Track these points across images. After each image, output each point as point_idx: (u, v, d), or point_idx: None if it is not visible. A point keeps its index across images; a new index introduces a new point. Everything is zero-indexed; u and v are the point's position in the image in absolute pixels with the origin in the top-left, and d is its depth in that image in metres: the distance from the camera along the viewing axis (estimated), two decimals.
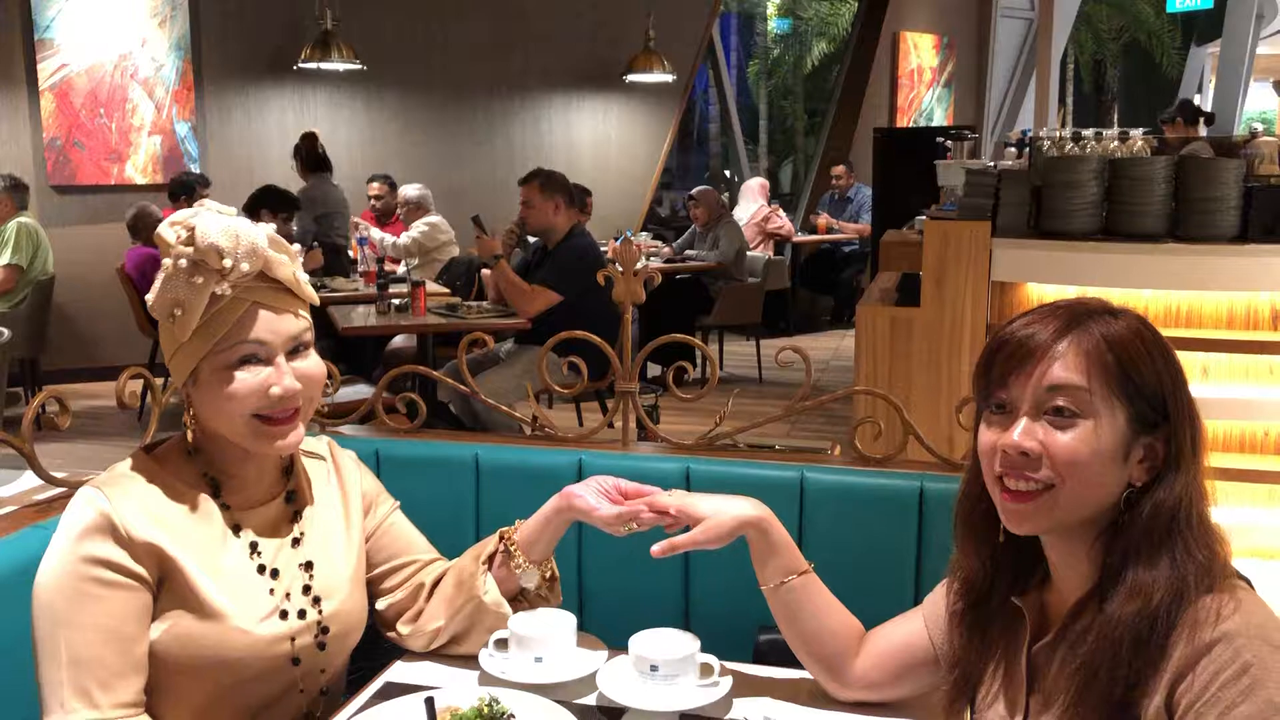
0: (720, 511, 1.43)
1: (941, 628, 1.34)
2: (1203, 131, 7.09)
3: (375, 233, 6.83)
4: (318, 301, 1.48)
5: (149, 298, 1.40)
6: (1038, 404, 1.13)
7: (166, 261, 1.37)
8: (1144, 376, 1.13)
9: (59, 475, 1.72)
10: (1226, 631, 1.04)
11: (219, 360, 1.37)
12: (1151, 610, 1.07)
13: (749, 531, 1.43)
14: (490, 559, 1.57)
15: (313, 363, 1.44)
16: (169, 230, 1.36)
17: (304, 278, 1.44)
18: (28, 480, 1.91)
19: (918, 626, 1.38)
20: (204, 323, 1.35)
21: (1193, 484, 1.12)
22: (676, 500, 1.47)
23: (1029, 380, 1.13)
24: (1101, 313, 1.16)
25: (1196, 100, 15.12)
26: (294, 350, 1.41)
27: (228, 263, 1.33)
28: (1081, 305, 1.17)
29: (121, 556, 1.33)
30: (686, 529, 1.45)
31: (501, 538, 1.59)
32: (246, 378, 1.37)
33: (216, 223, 1.35)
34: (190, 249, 1.34)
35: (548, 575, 1.60)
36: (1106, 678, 1.08)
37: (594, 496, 1.53)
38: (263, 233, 1.39)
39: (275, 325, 1.39)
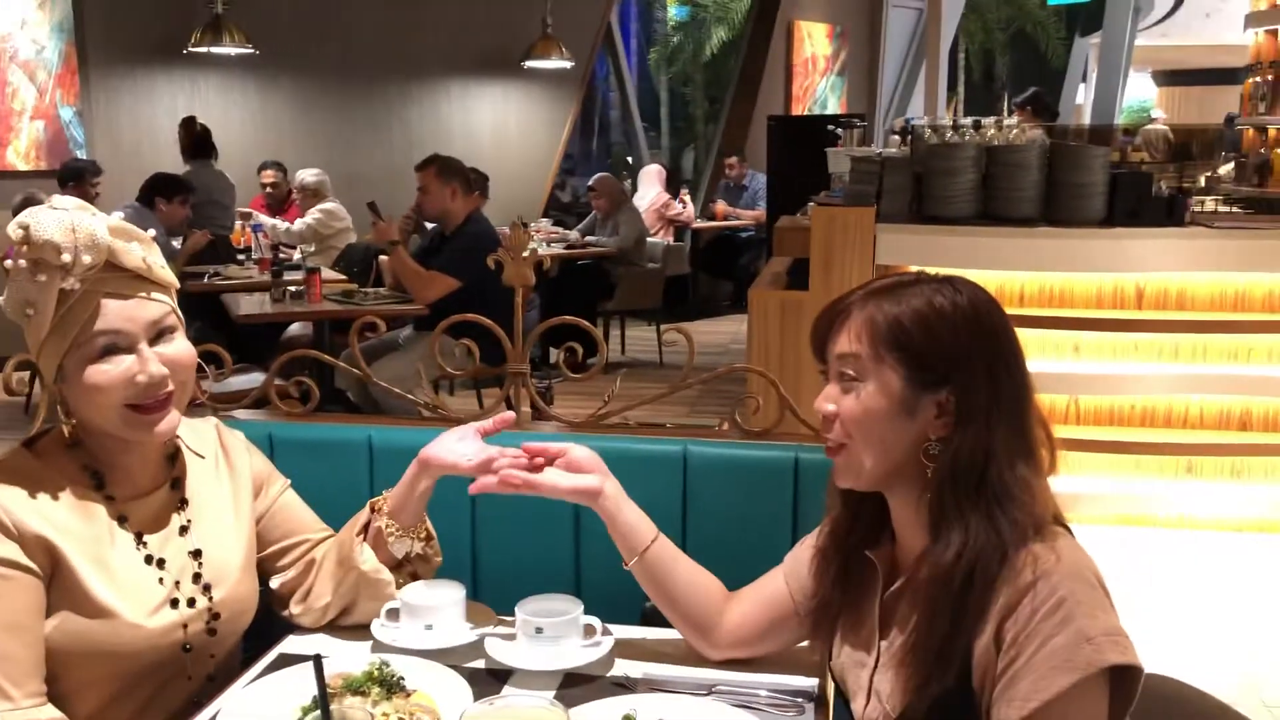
0: (570, 471, 1.51)
1: (801, 582, 1.44)
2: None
3: (267, 220, 6.75)
4: (176, 284, 1.48)
5: (0, 300, 1.40)
6: (835, 371, 1.29)
7: (8, 263, 1.37)
8: (924, 345, 1.23)
9: None
10: (1045, 570, 1.15)
11: (81, 355, 1.37)
12: (968, 560, 1.17)
13: (592, 504, 1.50)
14: (365, 529, 1.61)
15: (179, 347, 1.44)
16: (10, 230, 1.35)
17: (157, 262, 1.44)
18: None
19: (779, 583, 1.47)
20: (59, 320, 1.35)
21: (994, 439, 1.21)
22: (541, 446, 1.54)
23: (830, 351, 1.30)
24: (891, 290, 1.27)
25: (1080, 89, 15.67)
26: (158, 336, 1.42)
27: (67, 258, 1.32)
28: (879, 283, 1.30)
29: (14, 551, 1.33)
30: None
31: (372, 508, 1.63)
32: (110, 369, 1.37)
33: (51, 218, 1.34)
34: (28, 247, 1.33)
35: (423, 535, 1.64)
36: (938, 619, 1.18)
37: (452, 453, 1.57)
38: (102, 222, 1.38)
39: (131, 313, 1.38)
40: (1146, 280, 4.24)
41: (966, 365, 1.23)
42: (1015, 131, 4.56)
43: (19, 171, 7.19)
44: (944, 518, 1.21)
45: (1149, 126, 6.44)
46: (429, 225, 5.15)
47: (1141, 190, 4.05)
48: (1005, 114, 7.16)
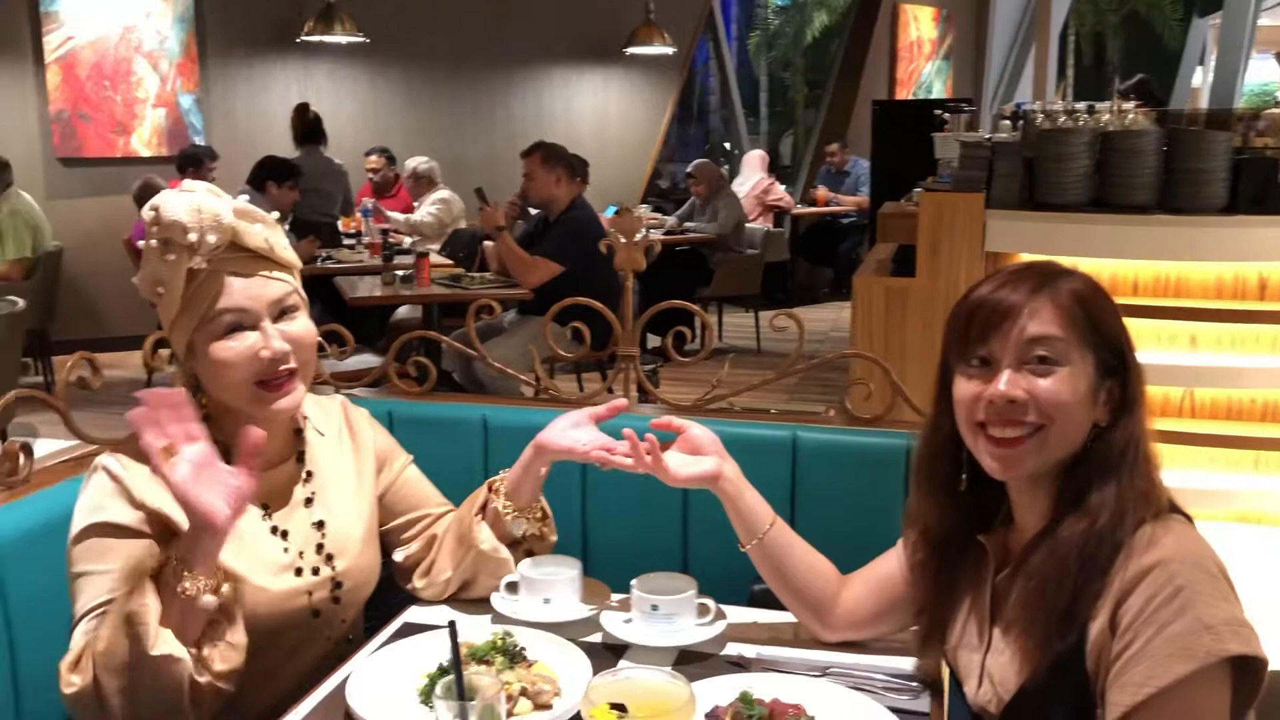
0: (689, 451, 1.54)
1: None
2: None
3: (398, 215, 6.86)
4: (299, 265, 1.54)
5: (135, 279, 1.47)
6: (1019, 356, 1.23)
7: (141, 243, 1.45)
8: (1105, 326, 1.24)
9: (92, 434, 1.80)
10: (1163, 558, 1.14)
11: (208, 332, 1.44)
12: (1097, 530, 1.18)
13: (712, 486, 1.52)
14: (483, 508, 1.66)
15: (301, 326, 1.50)
16: (144, 212, 1.44)
17: (280, 243, 1.50)
18: (45, 445, 1.99)
19: (893, 566, 1.47)
20: (187, 298, 1.43)
21: (1141, 423, 1.24)
22: (668, 419, 1.58)
23: (1009, 335, 1.23)
24: (1061, 272, 1.28)
25: (1198, 72, 15.10)
26: (281, 315, 1.48)
27: (193, 237, 1.39)
28: (1043, 266, 1.29)
29: (134, 518, 1.42)
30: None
31: (489, 488, 1.68)
32: (236, 345, 1.44)
33: (180, 200, 1.41)
34: (157, 228, 1.40)
35: (538, 515, 1.69)
36: (1054, 594, 1.18)
37: (567, 438, 1.61)
38: (227, 204, 1.44)
39: (254, 291, 1.45)
40: (1271, 270, 4.08)
41: (1129, 350, 1.25)
42: (1131, 117, 4.43)
43: (142, 158, 7.49)
44: (1079, 497, 1.21)
45: (1276, 110, 6.17)
46: (533, 211, 5.22)
47: (1267, 176, 3.89)
48: (1115, 99, 6.96)
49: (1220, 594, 1.14)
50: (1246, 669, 1.13)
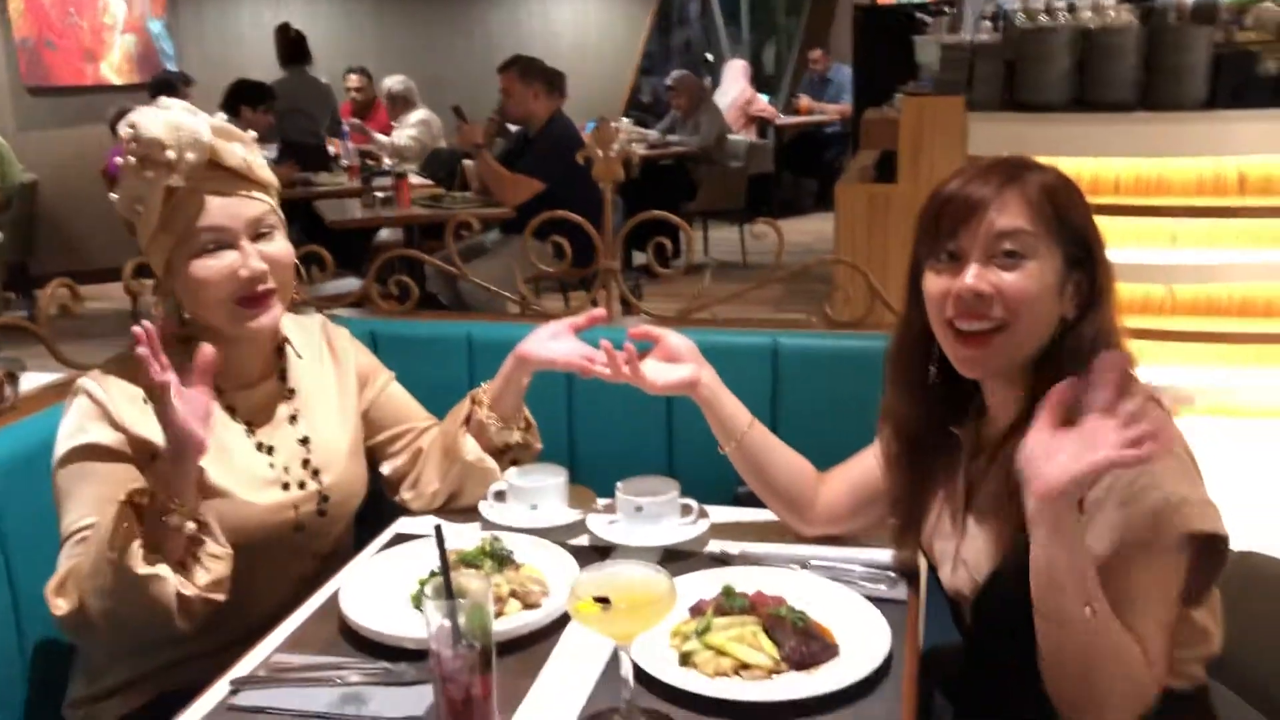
0: (666, 359, 1.55)
1: None
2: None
3: (383, 138, 6.76)
4: (277, 184, 1.54)
5: (112, 195, 1.47)
6: (987, 250, 1.24)
7: (119, 160, 1.44)
8: (1073, 219, 1.25)
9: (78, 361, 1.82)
10: None
11: (186, 250, 1.45)
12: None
13: (690, 392, 1.54)
14: (467, 420, 1.69)
15: (279, 246, 1.51)
16: (121, 128, 1.42)
17: (258, 161, 1.50)
18: (33, 379, 2.00)
19: (870, 463, 1.51)
20: (165, 216, 1.43)
21: (1111, 317, 1.25)
22: (645, 329, 1.59)
23: (978, 229, 1.24)
24: (1031, 166, 1.28)
25: None
26: (259, 234, 1.49)
27: (171, 154, 1.38)
28: (1013, 160, 1.29)
29: (115, 440, 1.44)
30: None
31: (472, 400, 1.70)
32: (214, 264, 1.45)
33: (157, 117, 1.40)
34: (136, 145, 1.40)
35: (522, 425, 1.72)
36: None
37: (547, 349, 1.63)
38: (205, 122, 1.44)
39: (233, 210, 1.46)
40: (1249, 165, 4.08)
41: (1098, 244, 1.26)
42: (1113, 15, 4.38)
43: (114, 86, 7.36)
44: (1051, 388, 1.22)
45: (1264, 4, 6.09)
46: (513, 127, 5.17)
47: (1246, 70, 3.89)
48: None
49: (1185, 475, 1.17)
50: (1210, 548, 1.16)
